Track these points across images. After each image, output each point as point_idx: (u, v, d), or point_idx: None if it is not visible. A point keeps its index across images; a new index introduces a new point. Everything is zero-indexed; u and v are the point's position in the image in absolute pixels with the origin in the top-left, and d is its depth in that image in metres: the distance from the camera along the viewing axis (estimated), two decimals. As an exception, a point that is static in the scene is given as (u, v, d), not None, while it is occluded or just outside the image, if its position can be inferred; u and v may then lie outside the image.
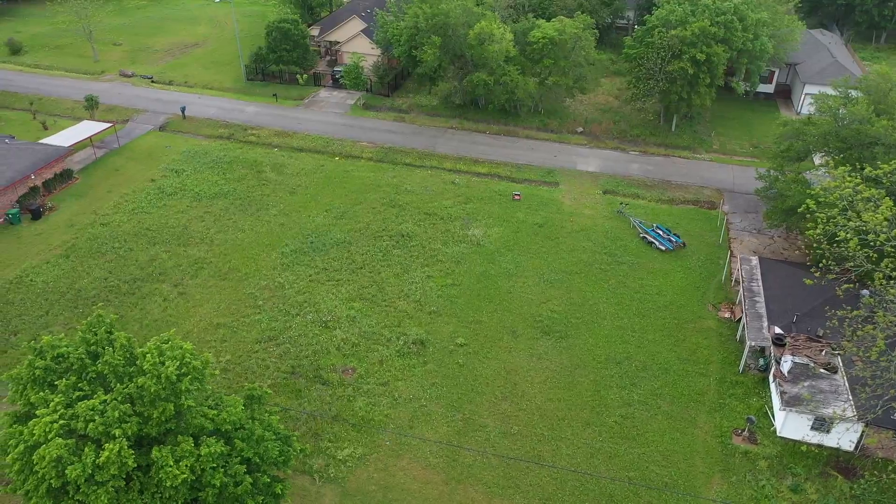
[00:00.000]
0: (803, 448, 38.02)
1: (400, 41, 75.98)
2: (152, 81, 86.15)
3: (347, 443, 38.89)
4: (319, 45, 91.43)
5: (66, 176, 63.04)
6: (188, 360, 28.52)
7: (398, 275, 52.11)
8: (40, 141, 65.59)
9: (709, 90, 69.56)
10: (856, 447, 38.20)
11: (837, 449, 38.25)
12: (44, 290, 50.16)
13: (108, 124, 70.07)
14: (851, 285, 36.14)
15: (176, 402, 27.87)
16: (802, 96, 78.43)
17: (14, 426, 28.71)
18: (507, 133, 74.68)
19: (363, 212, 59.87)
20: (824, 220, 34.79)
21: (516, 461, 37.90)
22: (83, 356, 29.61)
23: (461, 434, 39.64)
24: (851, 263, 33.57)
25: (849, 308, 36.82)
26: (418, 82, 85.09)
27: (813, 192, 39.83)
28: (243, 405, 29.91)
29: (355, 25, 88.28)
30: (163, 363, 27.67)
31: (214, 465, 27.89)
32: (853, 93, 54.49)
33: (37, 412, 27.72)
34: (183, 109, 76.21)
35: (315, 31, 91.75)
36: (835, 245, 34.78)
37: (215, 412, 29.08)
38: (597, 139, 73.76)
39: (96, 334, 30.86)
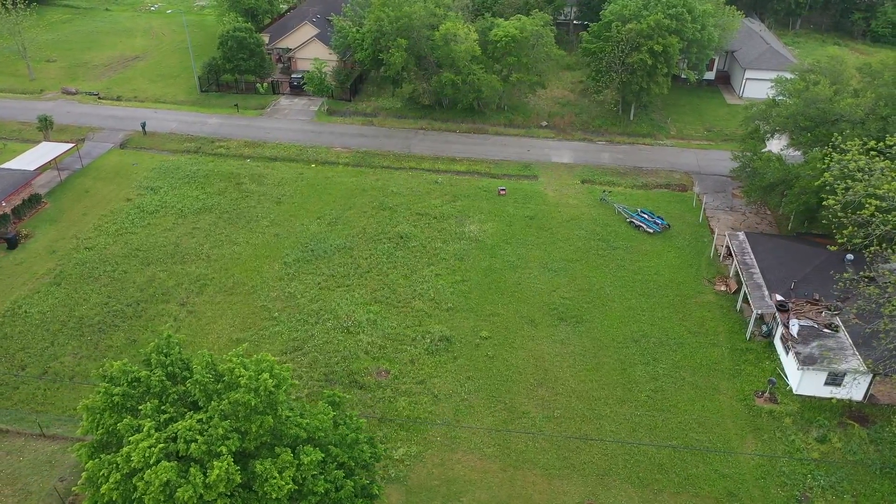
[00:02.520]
0: (823, 403, 41.42)
1: (363, 45, 76.16)
2: (99, 98, 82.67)
3: (399, 442, 39.42)
4: (271, 53, 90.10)
5: (34, 201, 60.02)
6: (277, 370, 28.56)
7: (406, 276, 52.73)
8: (1, 166, 62.06)
9: (665, 79, 73.44)
10: (864, 397, 41.94)
11: (849, 400, 41.86)
12: (42, 320, 47.89)
13: (70, 145, 67.05)
14: (862, 245, 38.75)
15: (273, 413, 27.85)
16: (744, 81, 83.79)
17: (100, 457, 27.90)
18: (476, 131, 76.25)
19: (355, 216, 60.01)
20: (843, 190, 38.02)
21: (567, 440, 39.52)
22: (163, 378, 29.06)
23: (507, 423, 40.88)
24: (868, 230, 36.87)
25: (849, 272, 40.47)
26: (378, 85, 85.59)
27: (830, 167, 42.51)
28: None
29: (308, 31, 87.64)
30: (258, 376, 27.57)
31: (315, 472, 28.08)
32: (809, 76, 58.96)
33: (129, 439, 27.02)
34: (143, 125, 73.73)
35: (265, 39, 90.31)
36: (853, 213, 38.10)
37: (306, 420, 29.18)
38: (563, 132, 76.43)
39: (167, 355, 30.31)
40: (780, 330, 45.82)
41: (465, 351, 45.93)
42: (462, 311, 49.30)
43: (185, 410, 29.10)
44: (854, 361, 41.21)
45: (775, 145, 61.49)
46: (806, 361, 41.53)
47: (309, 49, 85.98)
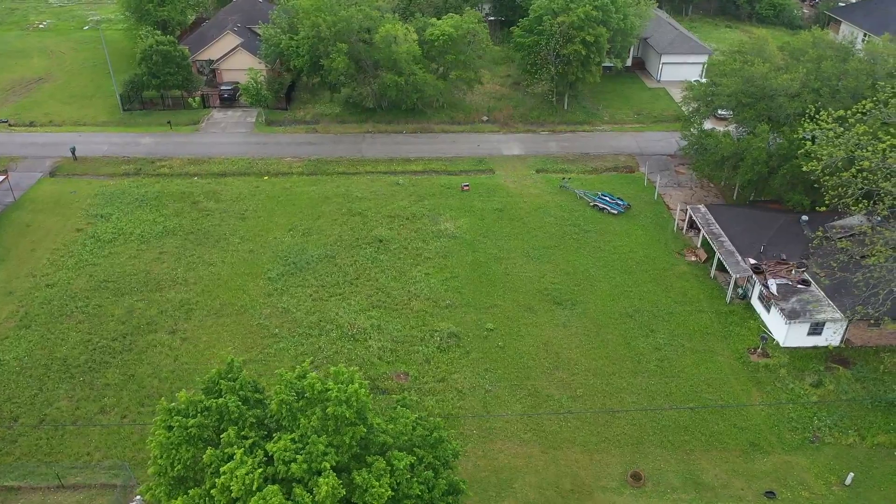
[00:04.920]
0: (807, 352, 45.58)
1: (299, 52, 74.87)
2: (10, 125, 76.54)
3: (438, 440, 39.78)
4: (191, 66, 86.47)
5: (-28, 241, 55.19)
6: (358, 380, 28.43)
7: (396, 278, 52.85)
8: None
9: (598, 68, 77.09)
10: (841, 341, 46.46)
11: (828, 346, 46.23)
12: (21, 367, 44.37)
13: (1, 177, 61.92)
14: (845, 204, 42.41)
15: (364, 423, 27.73)
16: (660, 66, 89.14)
17: (187, 493, 26.76)
18: (423, 130, 76.93)
19: (327, 225, 59.29)
20: (827, 157, 41.85)
21: (595, 415, 41.33)
22: (238, 403, 28.17)
23: (535, 408, 42.21)
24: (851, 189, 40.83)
25: (819, 234, 44.98)
26: (312, 92, 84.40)
27: (808, 136, 46.22)
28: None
29: (231, 41, 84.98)
30: (347, 387, 27.36)
31: (409, 476, 28.21)
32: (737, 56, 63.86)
33: (222, 469, 26.07)
34: (73, 150, 69.09)
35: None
36: (833, 177, 42.07)
37: (391, 425, 29.21)
38: (506, 125, 78.50)
39: (234, 380, 29.39)
40: (755, 291, 49.81)
41: (476, 344, 46.81)
42: (461, 307, 50.08)
43: (265, 433, 28.41)
44: (830, 311, 45.56)
45: (710, 123, 66.25)
46: (791, 315, 45.48)
47: (235, 59, 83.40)
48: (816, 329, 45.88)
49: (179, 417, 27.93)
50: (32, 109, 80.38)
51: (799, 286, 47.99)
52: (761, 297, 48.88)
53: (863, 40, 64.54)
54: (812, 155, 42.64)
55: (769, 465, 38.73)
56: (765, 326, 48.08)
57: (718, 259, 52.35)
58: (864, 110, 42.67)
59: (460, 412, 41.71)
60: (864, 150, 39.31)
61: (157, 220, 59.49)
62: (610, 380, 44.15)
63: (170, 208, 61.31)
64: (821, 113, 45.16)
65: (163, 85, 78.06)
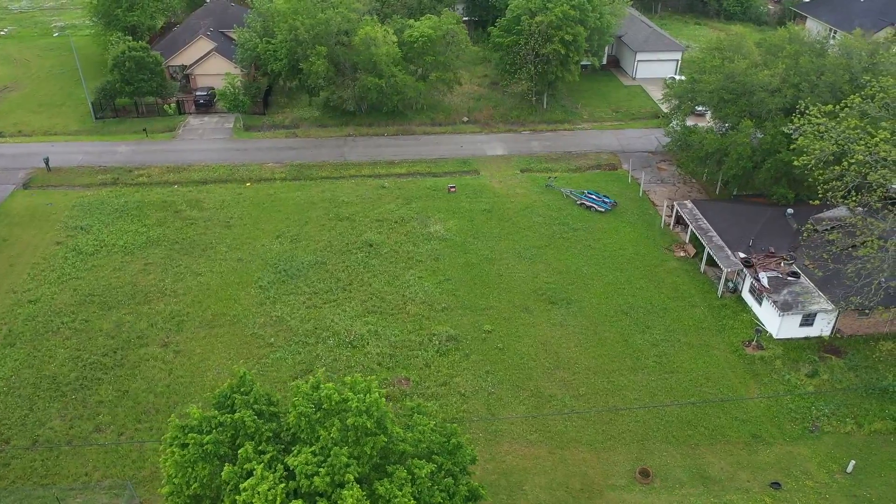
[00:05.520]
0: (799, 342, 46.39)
1: (277, 56, 73.88)
2: (-23, 136, 74.16)
3: (445, 445, 39.52)
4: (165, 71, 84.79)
5: (-53, 257, 53.29)
6: (375, 388, 28.07)
7: (389, 282, 52.43)
8: None
9: (577, 67, 77.55)
10: (831, 332, 47.38)
11: (820, 336, 47.11)
12: (8, 387, 42.96)
13: (-28, 190, 60.00)
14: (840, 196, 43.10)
15: (384, 432, 27.37)
16: (636, 63, 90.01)
17: (206, 512, 26.13)
18: (404, 132, 76.52)
19: (315, 230, 58.58)
20: (819, 151, 42.57)
21: (599, 413, 41.48)
22: (254, 417, 27.58)
23: (538, 408, 42.20)
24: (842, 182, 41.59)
25: (808, 226, 45.78)
26: (289, 96, 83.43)
27: (793, 131, 46.93)
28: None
29: (204, 46, 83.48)
30: (365, 397, 26.98)
31: (430, 484, 27.93)
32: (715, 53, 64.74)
33: (242, 486, 25.48)
34: (46, 161, 67.16)
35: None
36: (826, 170, 42.80)
37: (410, 433, 28.89)
38: (487, 126, 78.49)
39: (247, 393, 28.78)
40: (746, 284, 50.55)
41: (475, 346, 46.65)
42: (457, 309, 49.88)
43: (283, 446, 27.88)
44: (821, 302, 46.44)
45: (688, 120, 66.98)
46: (784, 307, 46.22)
47: (209, 64, 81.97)
48: (808, 320, 46.72)
49: (194, 434, 27.24)
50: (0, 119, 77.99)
51: (789, 278, 48.81)
52: (752, 290, 49.60)
53: (833, 35, 66.02)
54: (805, 150, 43.37)
55: (772, 457, 39.30)
56: (757, 319, 48.79)
57: (707, 254, 53.02)
58: (852, 105, 43.58)
59: (465, 416, 41.50)
60: (857, 144, 40.12)
61: (140, 230, 58.13)
62: (611, 377, 44.37)
63: (152, 218, 59.98)
64: (810, 109, 45.96)
65: (136, 92, 76.33)
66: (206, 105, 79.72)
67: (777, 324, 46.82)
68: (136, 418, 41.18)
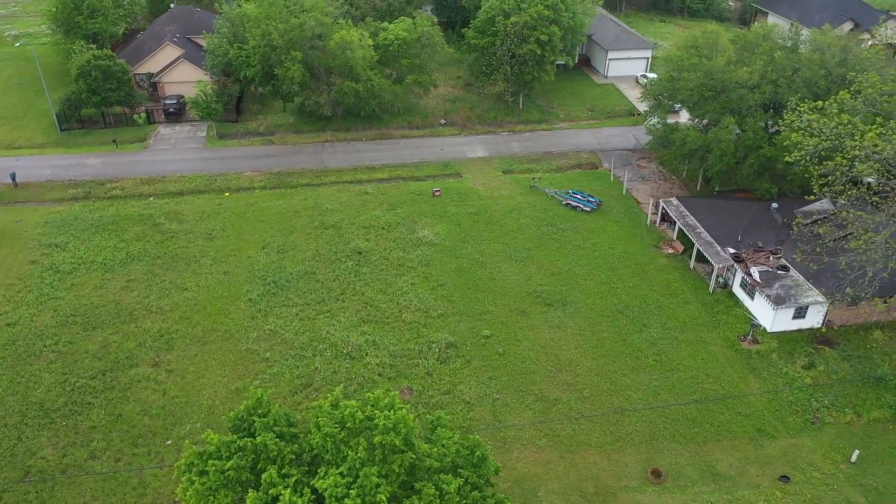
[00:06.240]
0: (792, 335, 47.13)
1: (250, 62, 72.28)
2: (-65, 152, 70.84)
3: (455, 455, 39.02)
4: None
5: (-86, 282, 50.68)
6: (400, 405, 27.45)
7: (382, 290, 51.67)
8: None
9: (552, 67, 77.70)
10: (823, 323, 48.26)
11: (812, 328, 47.94)
12: (-8, 415, 41.03)
13: (-62, 209, 57.20)
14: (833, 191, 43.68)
15: (411, 448, 26.76)
16: (607, 62, 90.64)
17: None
18: (382, 137, 75.66)
19: (301, 240, 57.44)
20: (812, 146, 43.17)
21: (606, 415, 41.45)
22: (276, 441, 26.67)
23: (544, 412, 42.00)
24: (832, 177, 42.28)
25: (798, 220, 46.49)
26: (261, 102, 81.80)
27: (793, 128, 47.48)
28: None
29: (171, 52, 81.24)
30: (393, 414, 26.33)
31: (458, 499, 27.42)
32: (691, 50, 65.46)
33: (271, 513, 24.63)
34: (13, 176, 64.49)
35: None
36: (820, 165, 43.46)
37: (437, 449, 28.31)
38: (465, 128, 78.10)
39: (265, 415, 27.84)
40: (737, 279, 51.19)
41: (475, 352, 46.24)
42: (454, 315, 49.39)
43: (306, 469, 27.05)
44: (813, 294, 47.26)
45: (669, 118, 67.67)
46: (778, 301, 46.89)
47: (177, 71, 79.85)
48: (801, 312, 47.49)
49: (213, 461, 26.22)
50: (-42, 134, 74.69)
51: (779, 272, 49.55)
52: (744, 285, 50.23)
53: (793, 30, 67.38)
54: (799, 145, 44.03)
55: (778, 450, 39.78)
56: (749, 313, 49.42)
57: (697, 250, 53.52)
58: (842, 101, 44.45)
59: (472, 424, 41.04)
60: (852, 139, 40.87)
61: (119, 245, 56.20)
62: (613, 378, 44.41)
63: (130, 232, 58.04)
64: (800, 105, 46.73)
65: (104, 102, 73.84)
66: (176, 114, 77.63)
67: (771, 317, 47.48)
68: (133, 442, 39.67)
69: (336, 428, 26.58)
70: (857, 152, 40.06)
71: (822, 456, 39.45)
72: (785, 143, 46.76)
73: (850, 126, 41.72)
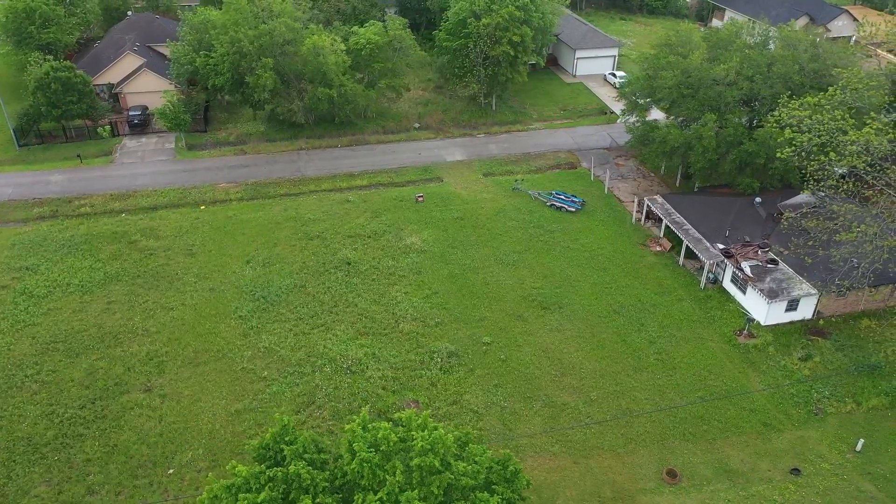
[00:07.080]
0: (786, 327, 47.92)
1: (219, 70, 70.18)
2: None
3: (469, 467, 38.39)
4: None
5: None
6: (434, 425, 26.69)
7: (376, 300, 50.67)
8: None
9: (525, 67, 77.65)
10: (814, 314, 49.20)
11: (804, 319, 48.84)
12: (-23, 453, 38.65)
13: None
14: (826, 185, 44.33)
15: (448, 469, 26.02)
16: (575, 61, 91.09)
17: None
18: (358, 143, 74.41)
19: (287, 252, 55.96)
20: (805, 142, 43.82)
21: (615, 419, 41.37)
22: (309, 469, 25.62)
23: (554, 418, 41.69)
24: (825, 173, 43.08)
25: (787, 214, 47.24)
26: (229, 111, 79.63)
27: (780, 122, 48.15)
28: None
29: (132, 62, 78.39)
30: (430, 434, 25.54)
31: (495, 517, 26.82)
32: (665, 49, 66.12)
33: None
34: (-27, 196, 61.31)
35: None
36: (812, 161, 44.16)
37: (471, 467, 27.61)
38: (440, 131, 77.44)
39: (293, 443, 26.74)
40: (727, 274, 51.82)
41: (477, 360, 45.67)
42: (451, 323, 48.73)
43: (340, 495, 26.06)
44: (804, 287, 48.12)
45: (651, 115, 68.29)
46: (771, 295, 47.59)
47: (140, 81, 77.08)
48: (793, 305, 48.31)
49: (243, 493, 25.03)
50: None
51: (770, 266, 50.34)
52: (734, 280, 50.88)
53: (763, 27, 69.02)
54: (793, 142, 44.73)
55: (786, 443, 40.31)
56: (742, 308, 50.06)
57: (686, 247, 54.01)
58: (833, 97, 45.37)
59: (482, 434, 40.43)
60: (845, 135, 41.71)
61: (95, 265, 53.81)
62: (617, 379, 44.40)
63: (105, 251, 55.65)
64: (790, 102, 47.54)
65: (64, 115, 70.76)
66: (140, 125, 74.97)
67: (765, 311, 48.17)
68: (132, 474, 37.89)
69: (371, 452, 25.68)
70: (852, 147, 40.94)
71: (829, 446, 40.12)
72: (778, 140, 47.49)
73: (842, 122, 42.63)
